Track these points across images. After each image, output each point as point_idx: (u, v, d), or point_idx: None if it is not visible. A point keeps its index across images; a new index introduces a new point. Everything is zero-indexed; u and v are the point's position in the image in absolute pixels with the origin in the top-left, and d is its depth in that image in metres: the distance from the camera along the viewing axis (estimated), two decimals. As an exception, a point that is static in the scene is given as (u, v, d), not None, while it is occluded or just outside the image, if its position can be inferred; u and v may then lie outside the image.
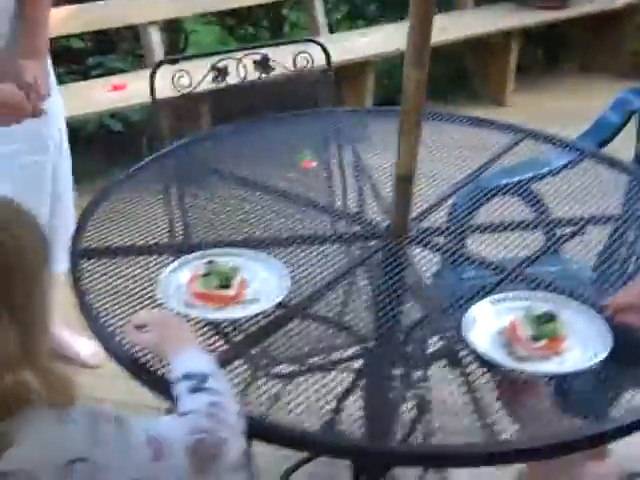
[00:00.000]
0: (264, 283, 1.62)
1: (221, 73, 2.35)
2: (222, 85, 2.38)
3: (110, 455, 1.13)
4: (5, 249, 1.12)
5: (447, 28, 4.71)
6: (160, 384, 1.36)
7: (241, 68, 2.37)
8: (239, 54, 2.36)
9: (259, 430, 1.32)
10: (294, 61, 2.43)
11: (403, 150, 1.69)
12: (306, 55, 2.42)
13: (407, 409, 1.50)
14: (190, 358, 1.32)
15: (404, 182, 1.73)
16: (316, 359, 1.67)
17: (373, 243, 1.77)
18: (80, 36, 4.62)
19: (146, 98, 2.38)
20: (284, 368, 1.82)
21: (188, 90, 2.29)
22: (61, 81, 2.78)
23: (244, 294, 1.58)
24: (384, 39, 4.35)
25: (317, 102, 2.50)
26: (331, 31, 5.01)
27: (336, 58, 3.83)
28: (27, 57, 2.10)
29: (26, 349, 1.12)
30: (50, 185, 2.39)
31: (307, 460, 2.24)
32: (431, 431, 1.47)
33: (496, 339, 1.47)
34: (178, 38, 5.36)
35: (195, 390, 1.25)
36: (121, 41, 4.80)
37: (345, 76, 4.11)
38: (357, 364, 1.64)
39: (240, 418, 1.25)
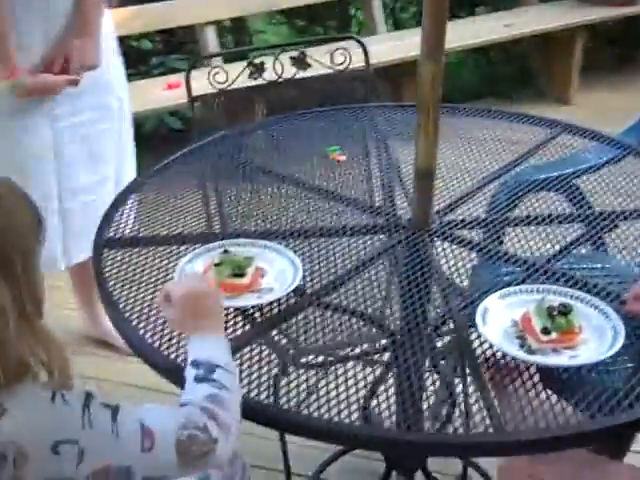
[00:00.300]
0: (281, 273, 1.62)
1: (258, 69, 2.37)
2: (261, 81, 2.41)
3: (100, 441, 1.14)
4: None
5: (512, 25, 4.66)
6: (174, 373, 1.36)
7: (278, 65, 2.39)
8: (277, 50, 2.38)
9: (292, 424, 1.32)
10: (331, 58, 2.43)
11: (421, 145, 1.68)
12: (344, 52, 2.42)
13: (438, 401, 1.49)
14: (206, 344, 1.30)
15: (424, 176, 1.71)
16: (343, 351, 1.67)
17: (394, 236, 1.75)
18: (149, 37, 4.72)
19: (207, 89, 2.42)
20: (312, 359, 1.83)
21: (223, 86, 2.32)
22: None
23: (260, 283, 1.59)
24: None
25: (357, 99, 2.50)
26: (396, 30, 5.01)
27: (381, 57, 3.87)
28: (76, 34, 2.28)
29: (22, 320, 1.14)
30: (114, 152, 2.54)
31: (342, 453, 2.24)
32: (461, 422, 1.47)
33: (509, 331, 1.44)
34: (244, 39, 5.42)
35: (201, 380, 1.24)
36: (187, 42, 4.89)
37: (389, 75, 4.10)
38: (385, 356, 1.63)
39: (237, 419, 1.24)
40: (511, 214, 1.92)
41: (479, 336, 1.44)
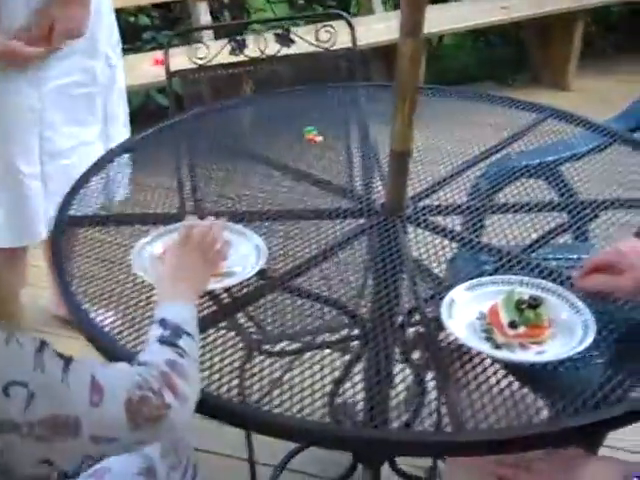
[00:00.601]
0: (244, 258, 1.56)
1: (239, 46, 2.30)
2: (241, 58, 2.34)
3: (49, 387, 1.10)
4: None
5: (509, 7, 4.57)
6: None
7: (262, 41, 2.32)
8: (257, 26, 2.31)
9: (255, 422, 1.26)
10: (316, 36, 2.36)
11: (398, 125, 1.61)
12: (329, 30, 2.35)
13: (407, 396, 1.43)
14: (178, 308, 1.28)
15: (399, 158, 1.64)
16: (310, 338, 1.61)
17: (365, 220, 1.69)
18: (147, 12, 4.63)
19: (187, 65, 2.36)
20: (277, 347, 1.78)
21: (203, 62, 2.25)
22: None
23: (221, 266, 1.53)
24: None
25: (343, 79, 2.43)
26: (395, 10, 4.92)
27: (373, 37, 3.78)
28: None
29: None
30: (100, 117, 2.49)
31: (310, 444, 2.18)
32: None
33: (476, 324, 1.39)
34: (242, 15, 5.33)
35: (164, 342, 1.21)
36: (183, 18, 4.81)
37: (384, 56, 4.02)
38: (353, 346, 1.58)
39: (195, 390, 1.20)
40: (490, 201, 1.86)
41: (445, 329, 1.38)
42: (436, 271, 1.65)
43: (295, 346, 1.62)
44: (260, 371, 1.36)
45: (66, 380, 1.11)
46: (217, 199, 1.81)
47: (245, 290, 1.50)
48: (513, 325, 1.33)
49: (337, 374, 1.41)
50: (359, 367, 1.49)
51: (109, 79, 2.50)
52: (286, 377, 1.36)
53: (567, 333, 1.34)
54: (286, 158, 1.95)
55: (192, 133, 2.10)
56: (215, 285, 1.48)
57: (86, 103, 2.44)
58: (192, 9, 4.10)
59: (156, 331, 1.23)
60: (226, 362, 1.34)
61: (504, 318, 1.35)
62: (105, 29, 2.44)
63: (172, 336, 1.22)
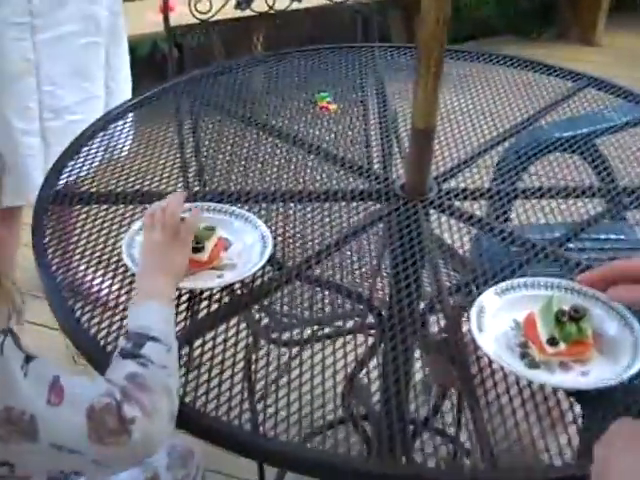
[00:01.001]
0: (247, 248, 1.39)
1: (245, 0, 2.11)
2: (247, 12, 2.15)
3: (5, 378, 1.01)
4: None
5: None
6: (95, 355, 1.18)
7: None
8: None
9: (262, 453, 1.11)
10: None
11: (420, 98, 1.42)
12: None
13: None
14: (148, 310, 1.16)
15: (421, 137, 1.46)
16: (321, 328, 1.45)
17: (383, 204, 1.51)
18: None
19: (190, 20, 2.19)
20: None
21: (206, 17, 2.06)
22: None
23: (221, 257, 1.36)
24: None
25: (357, 37, 2.23)
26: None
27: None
28: None
29: None
30: (103, 66, 2.36)
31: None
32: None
33: (510, 336, 1.21)
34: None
35: (126, 355, 1.11)
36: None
37: (403, 11, 3.79)
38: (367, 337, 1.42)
39: (166, 399, 1.07)
40: (520, 184, 1.68)
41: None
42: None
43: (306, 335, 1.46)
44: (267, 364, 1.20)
45: (24, 372, 1.02)
46: (222, 176, 1.63)
47: (241, 290, 1.33)
48: (553, 342, 1.16)
49: (350, 368, 1.25)
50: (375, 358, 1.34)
51: (112, 27, 2.33)
52: (294, 375, 1.20)
53: (615, 351, 1.17)
54: (297, 128, 1.77)
55: (196, 97, 1.91)
56: (211, 283, 1.31)
57: (92, 54, 2.28)
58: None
59: (120, 344, 1.14)
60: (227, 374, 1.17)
61: (542, 333, 1.17)
62: None
63: (134, 346, 1.11)
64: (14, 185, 2.23)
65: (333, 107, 1.86)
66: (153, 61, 3.98)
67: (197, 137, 1.79)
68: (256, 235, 1.40)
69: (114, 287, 1.32)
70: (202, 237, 1.35)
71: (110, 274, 1.35)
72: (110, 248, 1.39)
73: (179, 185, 1.59)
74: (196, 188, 1.63)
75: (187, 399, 1.12)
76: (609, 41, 4.58)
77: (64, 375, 1.05)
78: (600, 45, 4.57)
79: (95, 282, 1.39)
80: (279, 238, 1.42)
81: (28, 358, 1.04)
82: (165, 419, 1.07)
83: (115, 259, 1.36)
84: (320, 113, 1.84)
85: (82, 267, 1.38)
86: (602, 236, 1.90)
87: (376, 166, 1.70)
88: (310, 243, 1.43)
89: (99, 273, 1.37)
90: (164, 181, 1.59)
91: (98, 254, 1.38)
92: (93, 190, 1.57)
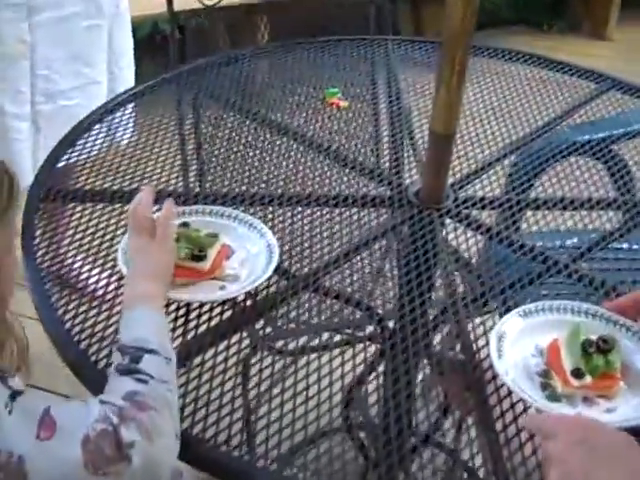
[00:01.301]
0: (251, 258, 1.30)
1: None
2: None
3: None
4: None
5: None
6: (93, 379, 1.09)
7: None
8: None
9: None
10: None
11: (442, 101, 1.33)
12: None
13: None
14: (139, 317, 1.08)
15: (441, 141, 1.37)
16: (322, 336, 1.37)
17: (398, 212, 1.43)
18: None
19: (194, 5, 2.10)
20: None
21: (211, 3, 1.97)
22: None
23: (223, 267, 1.28)
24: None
25: (368, 29, 2.13)
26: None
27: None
28: None
29: None
30: (106, 50, 2.25)
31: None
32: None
33: (531, 364, 1.13)
34: None
35: (122, 371, 1.02)
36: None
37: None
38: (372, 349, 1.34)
39: (169, 417, 0.99)
40: (534, 192, 1.59)
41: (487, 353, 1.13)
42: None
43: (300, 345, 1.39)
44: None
45: (9, 408, 0.94)
46: (225, 177, 1.54)
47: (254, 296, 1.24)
48: (578, 374, 1.08)
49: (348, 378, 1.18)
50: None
51: (115, 9, 2.23)
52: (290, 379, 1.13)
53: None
54: (306, 126, 1.68)
55: (200, 89, 1.81)
56: (213, 296, 1.22)
57: (92, 37, 2.18)
58: None
59: (115, 359, 1.05)
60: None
61: (567, 363, 1.09)
62: None
63: (130, 361, 1.03)
64: None
65: (344, 104, 1.77)
66: (153, 42, 3.88)
67: (199, 133, 1.70)
68: (261, 244, 1.31)
69: (103, 278, 1.24)
70: (204, 244, 1.26)
71: (99, 266, 1.27)
72: (104, 251, 1.31)
73: (179, 185, 1.50)
74: (197, 189, 1.54)
75: (184, 424, 1.04)
76: (621, 35, 4.48)
77: (55, 405, 0.97)
78: (612, 40, 4.47)
79: (83, 272, 1.31)
80: (285, 247, 1.33)
81: (14, 394, 0.96)
82: (169, 438, 0.98)
83: (109, 257, 1.28)
84: (330, 110, 1.74)
85: (70, 259, 1.30)
86: (620, 246, 1.82)
87: (388, 168, 1.60)
88: (318, 253, 1.34)
89: (87, 263, 1.29)
90: (163, 179, 1.50)
91: (91, 254, 1.30)
92: (88, 187, 1.47)
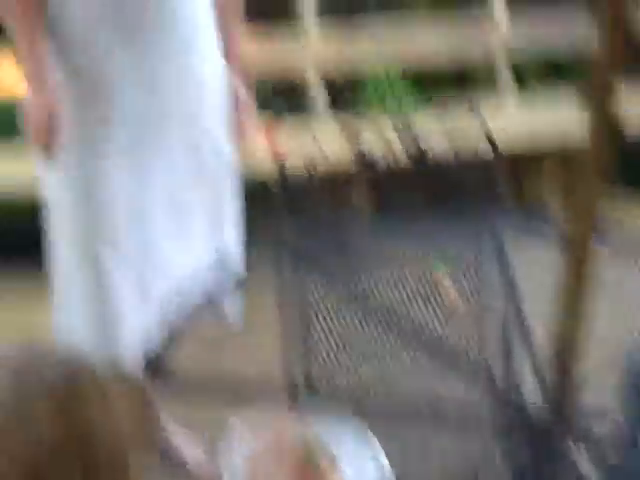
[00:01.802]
0: (358, 472, 1.19)
1: (366, 162, 1.98)
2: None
3: None
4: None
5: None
6: None
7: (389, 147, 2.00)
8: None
9: None
10: (451, 142, 2.03)
11: (565, 307, 1.23)
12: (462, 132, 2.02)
13: None
14: None
15: (564, 354, 1.26)
16: None
17: (515, 434, 1.30)
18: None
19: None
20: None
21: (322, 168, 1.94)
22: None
23: (331, 481, 1.16)
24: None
25: (476, 192, 2.06)
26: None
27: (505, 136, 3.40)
28: None
29: None
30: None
31: None
32: None
33: None
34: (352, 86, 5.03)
35: None
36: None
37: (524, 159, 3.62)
38: None
39: None
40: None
41: None
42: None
43: None
44: None
45: None
46: (331, 373, 1.45)
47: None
48: None
49: None
50: None
51: (217, 167, 2.13)
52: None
53: None
54: (409, 309, 1.59)
55: (302, 263, 1.74)
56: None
57: (194, 195, 2.07)
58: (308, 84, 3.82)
59: None
60: None
61: None
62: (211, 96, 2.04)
63: None
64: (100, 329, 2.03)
65: (449, 281, 1.69)
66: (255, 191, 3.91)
67: (303, 319, 1.62)
68: (371, 466, 1.20)
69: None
70: (311, 457, 1.16)
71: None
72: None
73: (279, 380, 1.42)
74: (301, 385, 1.46)
75: None
76: None
77: None
78: None
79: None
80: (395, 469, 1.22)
81: None
82: None
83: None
84: (435, 288, 1.66)
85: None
86: None
87: (499, 375, 1.48)
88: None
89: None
90: (263, 370, 1.42)
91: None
92: (182, 379, 1.40)
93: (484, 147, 1.91)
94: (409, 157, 2.01)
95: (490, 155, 1.92)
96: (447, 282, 1.76)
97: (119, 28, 1.80)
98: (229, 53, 1.93)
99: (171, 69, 1.88)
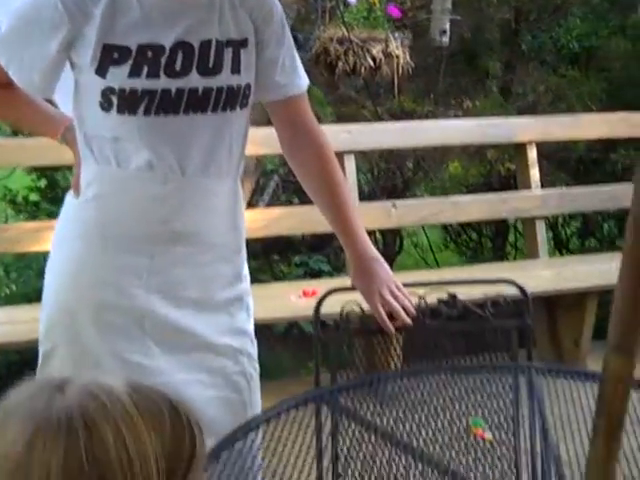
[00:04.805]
0: None
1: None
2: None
3: None
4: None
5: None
6: None
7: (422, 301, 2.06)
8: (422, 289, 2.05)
9: None
10: (484, 302, 2.08)
11: (597, 455, 1.26)
12: (500, 291, 2.07)
13: None
14: None
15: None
16: None
17: None
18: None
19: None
20: None
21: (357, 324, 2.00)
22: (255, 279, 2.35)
23: None
24: (609, 269, 3.89)
25: (509, 349, 2.11)
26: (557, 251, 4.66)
27: (546, 287, 3.49)
28: None
29: None
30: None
31: None
32: None
33: None
34: (394, 238, 5.13)
35: None
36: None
37: (560, 306, 3.69)
38: None
39: None
40: None
41: None
42: None
43: None
44: None
45: None
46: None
47: None
48: None
49: None
50: None
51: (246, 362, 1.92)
52: None
53: None
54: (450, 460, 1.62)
55: (338, 408, 1.80)
56: None
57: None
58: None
59: None
60: None
61: None
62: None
63: None
64: None
65: (488, 437, 1.71)
66: (290, 336, 3.97)
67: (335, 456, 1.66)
68: None
69: None
70: None
71: None
72: None
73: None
74: None
75: None
76: None
77: None
78: None
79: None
80: None
81: None
82: None
83: None
84: (474, 441, 1.69)
85: None
86: None
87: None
88: None
89: None
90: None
91: None
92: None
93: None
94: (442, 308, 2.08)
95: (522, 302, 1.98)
96: (483, 431, 1.79)
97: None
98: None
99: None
